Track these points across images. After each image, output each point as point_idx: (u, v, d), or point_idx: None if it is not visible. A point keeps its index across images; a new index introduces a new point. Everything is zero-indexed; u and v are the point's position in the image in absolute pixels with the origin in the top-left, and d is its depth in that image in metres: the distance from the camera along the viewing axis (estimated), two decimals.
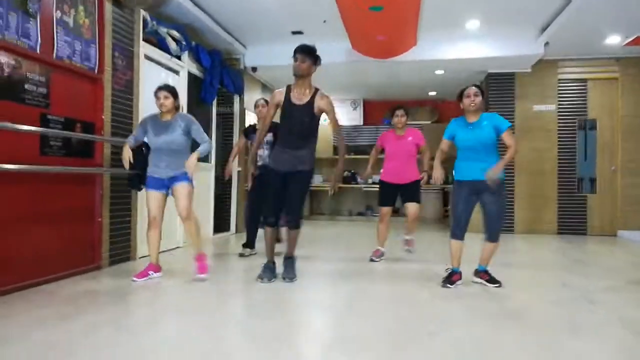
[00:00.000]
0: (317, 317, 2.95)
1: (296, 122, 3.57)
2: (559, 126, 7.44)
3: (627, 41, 6.43)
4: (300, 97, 3.57)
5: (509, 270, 4.32)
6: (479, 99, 3.52)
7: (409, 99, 10.28)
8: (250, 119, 8.08)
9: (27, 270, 3.34)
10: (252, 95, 7.88)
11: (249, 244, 5.04)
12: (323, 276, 4.14)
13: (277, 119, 3.83)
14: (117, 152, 4.27)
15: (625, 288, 3.66)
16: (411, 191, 4.67)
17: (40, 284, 3.40)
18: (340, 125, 3.84)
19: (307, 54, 3.52)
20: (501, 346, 2.33)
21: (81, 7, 3.90)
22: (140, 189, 4.28)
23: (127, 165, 3.68)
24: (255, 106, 5.02)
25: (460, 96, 3.61)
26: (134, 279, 3.64)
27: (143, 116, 4.68)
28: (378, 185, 4.92)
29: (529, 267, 4.19)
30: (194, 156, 3.66)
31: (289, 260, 3.74)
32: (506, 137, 3.47)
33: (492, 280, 3.58)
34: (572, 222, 7.41)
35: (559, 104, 7.48)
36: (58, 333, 2.40)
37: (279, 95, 3.66)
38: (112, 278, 3.81)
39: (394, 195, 4.76)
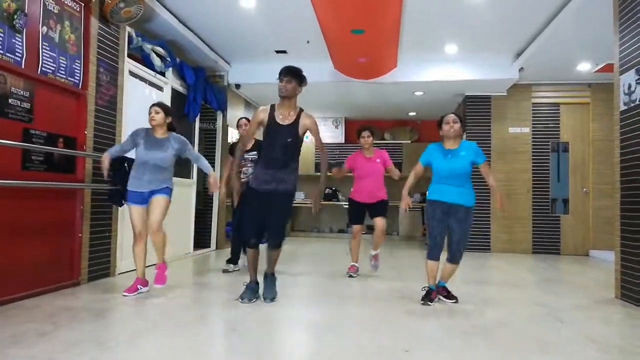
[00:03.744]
0: (295, 335, 2.99)
1: (280, 142, 3.56)
2: (533, 148, 7.69)
3: (597, 68, 6.73)
4: (285, 118, 3.57)
5: (483, 288, 4.44)
6: (458, 125, 3.64)
7: (389, 119, 10.50)
8: (234, 135, 8.15)
9: (5, 285, 3.31)
10: (235, 112, 7.95)
11: (233, 259, 5.06)
12: (303, 293, 4.19)
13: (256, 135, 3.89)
14: (98, 167, 4.26)
15: (593, 306, 3.80)
16: (379, 208, 4.85)
17: (18, 300, 3.37)
18: (323, 144, 3.85)
19: (293, 75, 3.54)
20: None
21: (67, 23, 3.94)
22: (121, 205, 4.29)
23: (105, 174, 3.79)
24: (238, 125, 5.09)
25: (440, 123, 3.73)
26: (125, 294, 3.67)
27: (126, 132, 4.73)
28: (347, 204, 5.06)
29: (502, 285, 4.31)
30: (213, 177, 3.99)
31: (270, 278, 3.69)
32: (484, 169, 3.67)
33: (449, 296, 3.74)
34: (546, 242, 7.61)
35: (533, 127, 7.74)
36: (36, 350, 2.39)
37: (263, 113, 3.63)
38: (91, 294, 3.79)
39: (363, 213, 4.93)
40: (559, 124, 7.73)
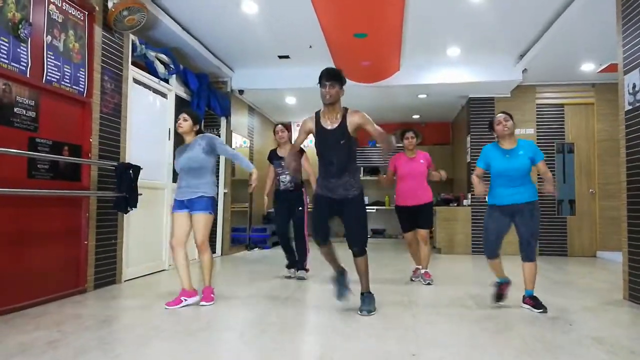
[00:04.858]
0: (301, 340, 2.98)
1: (333, 147, 3.41)
2: None
3: (601, 68, 6.71)
4: (332, 122, 3.44)
5: (491, 291, 4.40)
6: (510, 122, 3.60)
7: (393, 122, 10.48)
8: (238, 141, 8.17)
9: (12, 293, 3.32)
10: (238, 118, 7.97)
11: (291, 264, 5.20)
12: (309, 298, 4.18)
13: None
14: (103, 174, 4.29)
15: (602, 308, 3.77)
16: (425, 216, 4.77)
17: (25, 308, 3.38)
18: (382, 130, 3.41)
19: (335, 79, 3.38)
20: None
21: (71, 32, 3.96)
22: (126, 212, 4.32)
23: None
24: (275, 132, 5.14)
25: (491, 126, 3.69)
26: (166, 306, 3.55)
27: (131, 138, 4.76)
28: (395, 212, 4.96)
29: (511, 288, 4.28)
30: (256, 173, 3.90)
31: (367, 296, 3.54)
32: (541, 167, 3.61)
33: (538, 305, 3.55)
34: (553, 244, 7.57)
35: (538, 128, 7.72)
36: (45, 359, 2.39)
37: (310, 122, 3.52)
38: (98, 301, 3.80)
39: (413, 218, 4.80)
40: (563, 124, 7.70)
